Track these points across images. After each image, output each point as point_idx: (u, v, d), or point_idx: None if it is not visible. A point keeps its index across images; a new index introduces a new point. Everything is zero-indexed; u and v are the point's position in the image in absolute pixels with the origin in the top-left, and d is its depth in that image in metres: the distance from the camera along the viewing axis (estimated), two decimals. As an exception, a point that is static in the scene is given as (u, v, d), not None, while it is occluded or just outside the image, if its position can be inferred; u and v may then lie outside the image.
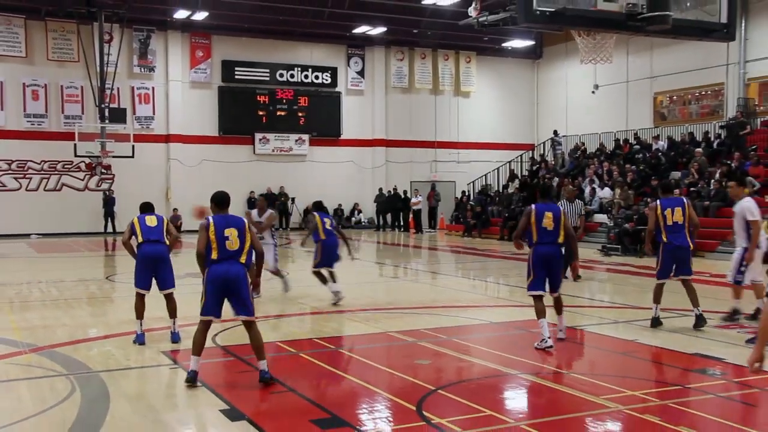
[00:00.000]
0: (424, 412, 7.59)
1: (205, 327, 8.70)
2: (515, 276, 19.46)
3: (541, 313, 10.27)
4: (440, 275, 21.59)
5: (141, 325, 11.03)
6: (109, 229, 34.31)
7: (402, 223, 38.73)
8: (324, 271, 14.52)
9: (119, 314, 14.13)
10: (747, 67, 31.36)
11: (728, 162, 27.96)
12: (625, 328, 12.33)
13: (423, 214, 38.87)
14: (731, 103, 31.88)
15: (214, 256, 8.62)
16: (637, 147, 33.36)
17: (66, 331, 11.99)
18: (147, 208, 11.93)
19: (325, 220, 14.61)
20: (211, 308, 8.65)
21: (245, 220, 8.95)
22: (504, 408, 8.15)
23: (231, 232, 8.67)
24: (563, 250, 10.70)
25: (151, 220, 11.61)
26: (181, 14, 33.87)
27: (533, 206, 10.58)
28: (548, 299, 10.55)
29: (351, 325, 13.06)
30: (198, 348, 8.57)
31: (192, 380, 8.45)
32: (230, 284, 8.61)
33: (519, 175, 38.48)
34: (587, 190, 31.42)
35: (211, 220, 8.71)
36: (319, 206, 15.24)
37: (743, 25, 29.90)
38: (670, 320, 12.19)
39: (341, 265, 14.74)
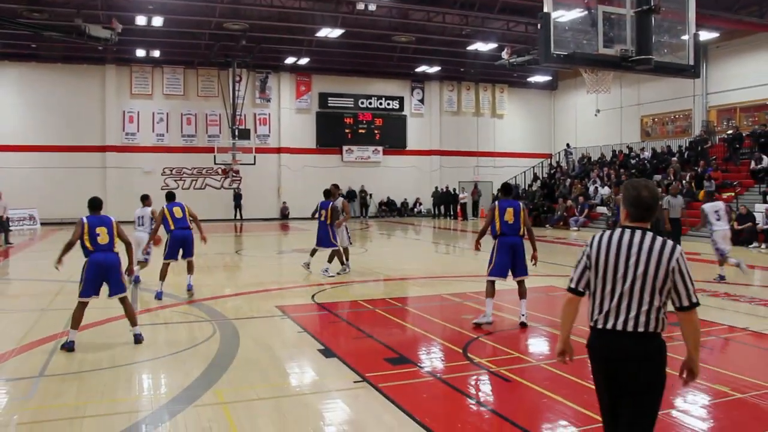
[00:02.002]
0: (468, 354, 7.62)
1: (84, 306, 7.98)
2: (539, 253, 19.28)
3: (490, 294, 9.29)
4: (481, 252, 21.44)
5: (161, 285, 11.48)
6: (238, 216, 34.87)
7: (452, 213, 38.55)
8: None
9: (246, 278, 14.43)
10: (708, 98, 30.97)
11: (696, 168, 27.42)
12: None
13: (468, 206, 38.61)
14: (697, 124, 31.37)
15: (90, 248, 7.96)
16: (629, 156, 32.83)
17: (209, 290, 12.26)
18: (171, 198, 12.03)
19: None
20: (90, 290, 7.97)
21: (113, 220, 8.22)
22: (527, 351, 8.13)
23: (101, 230, 8.06)
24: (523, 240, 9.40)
25: (177, 211, 11.69)
26: (290, 60, 34.15)
27: (497, 202, 9.45)
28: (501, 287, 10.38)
29: (413, 289, 13.13)
30: (77, 323, 7.90)
31: (70, 349, 7.72)
32: (107, 270, 8.01)
33: (540, 177, 38.10)
34: (591, 188, 31.03)
35: (85, 220, 8.06)
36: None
37: (705, 66, 29.39)
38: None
39: (399, 244, 14.64)
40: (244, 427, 5.37)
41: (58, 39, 25.63)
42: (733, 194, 24.33)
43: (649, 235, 3.62)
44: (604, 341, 3.67)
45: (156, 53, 31.83)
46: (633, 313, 3.55)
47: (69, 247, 8.08)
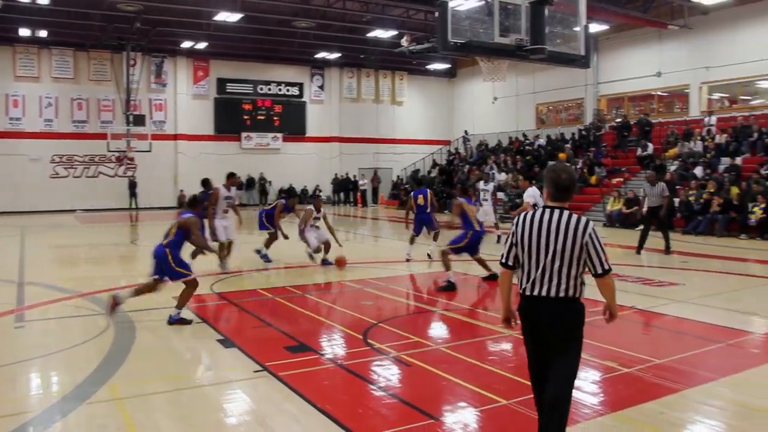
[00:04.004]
0: (368, 340, 7.66)
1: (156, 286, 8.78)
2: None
3: (411, 241, 14.42)
4: (381, 238, 21.65)
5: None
6: (133, 205, 33.84)
7: (352, 200, 38.67)
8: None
9: (142, 269, 13.96)
10: (599, 87, 32.20)
11: (588, 154, 28.50)
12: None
13: (368, 192, 38.91)
14: (589, 113, 32.62)
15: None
16: (525, 143, 33.78)
17: (103, 281, 11.84)
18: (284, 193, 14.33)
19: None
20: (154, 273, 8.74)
21: (184, 216, 8.81)
22: (427, 335, 8.24)
23: (173, 224, 8.80)
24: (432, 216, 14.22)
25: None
26: (186, 44, 33.26)
27: (412, 193, 14.20)
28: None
29: (313, 276, 13.01)
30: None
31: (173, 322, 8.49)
32: (155, 260, 8.62)
33: (439, 164, 38.68)
34: (490, 175, 31.77)
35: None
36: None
37: (596, 57, 30.51)
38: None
39: (296, 231, 14.57)
40: (141, 423, 5.21)
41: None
42: (622, 180, 25.50)
43: (566, 213, 4.07)
44: (531, 306, 4.13)
45: (43, 33, 30.21)
46: (555, 281, 4.02)
47: None
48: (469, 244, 11.37)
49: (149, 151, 32.13)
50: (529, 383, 4.36)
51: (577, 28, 13.51)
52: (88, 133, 33.23)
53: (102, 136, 31.93)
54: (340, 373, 6.51)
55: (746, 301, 10.18)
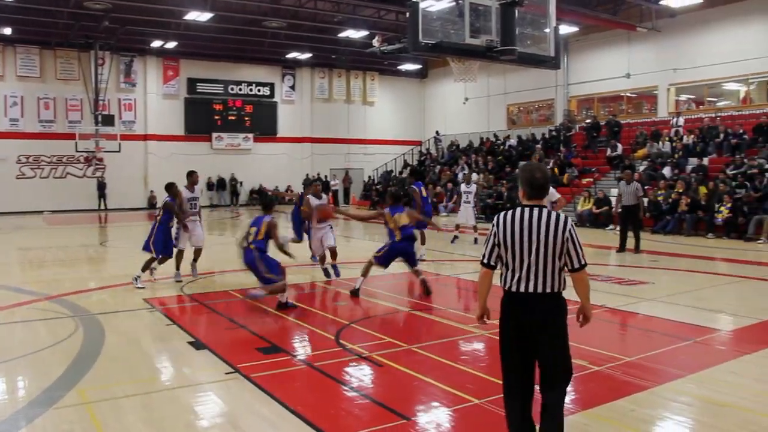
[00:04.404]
0: (341, 340, 7.64)
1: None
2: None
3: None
4: (352, 238, 21.60)
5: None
6: (102, 206, 33.44)
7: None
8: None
9: (111, 270, 13.83)
10: (569, 88, 32.52)
11: (559, 154, 28.72)
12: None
13: (339, 193, 38.86)
14: (559, 113, 32.93)
15: (243, 244, 9.51)
16: (496, 143, 33.96)
17: (71, 284, 11.65)
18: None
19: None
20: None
21: (264, 220, 9.34)
22: (399, 335, 8.23)
23: (252, 230, 9.38)
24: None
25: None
26: (156, 43, 32.91)
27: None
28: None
29: (286, 278, 12.99)
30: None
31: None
32: (247, 266, 9.53)
33: (411, 164, 38.72)
34: (460, 175, 31.86)
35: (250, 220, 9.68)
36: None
37: (566, 58, 30.85)
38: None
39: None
40: (111, 427, 5.14)
41: None
42: (592, 180, 25.76)
43: (545, 211, 4.17)
44: (518, 302, 4.22)
45: (7, 31, 29.75)
46: (540, 278, 4.15)
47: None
48: (384, 256, 10.62)
49: (118, 152, 31.81)
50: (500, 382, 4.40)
51: (547, 30, 13.60)
52: (55, 133, 32.72)
53: (70, 136, 31.51)
54: (313, 375, 6.48)
55: (713, 298, 10.34)
